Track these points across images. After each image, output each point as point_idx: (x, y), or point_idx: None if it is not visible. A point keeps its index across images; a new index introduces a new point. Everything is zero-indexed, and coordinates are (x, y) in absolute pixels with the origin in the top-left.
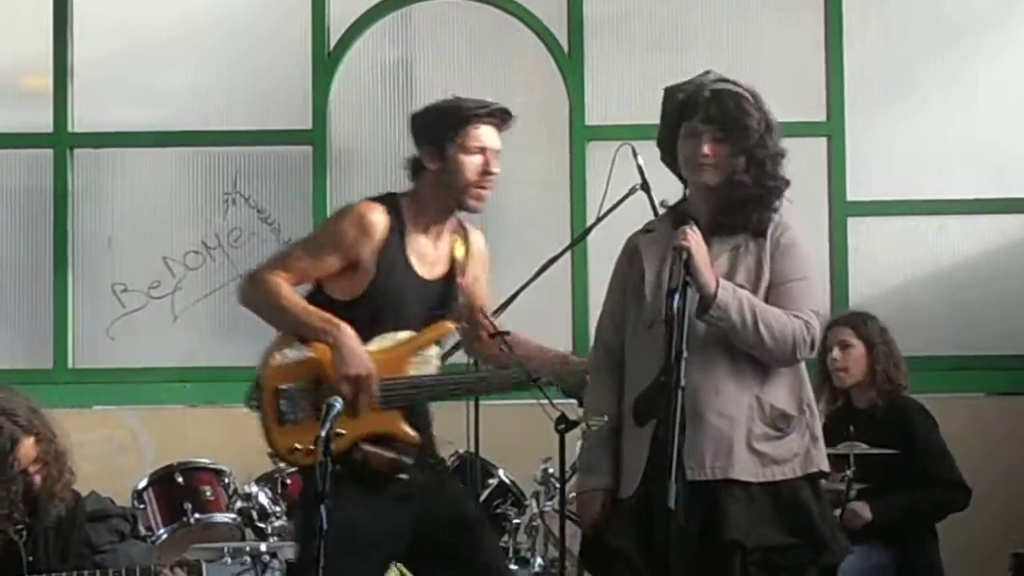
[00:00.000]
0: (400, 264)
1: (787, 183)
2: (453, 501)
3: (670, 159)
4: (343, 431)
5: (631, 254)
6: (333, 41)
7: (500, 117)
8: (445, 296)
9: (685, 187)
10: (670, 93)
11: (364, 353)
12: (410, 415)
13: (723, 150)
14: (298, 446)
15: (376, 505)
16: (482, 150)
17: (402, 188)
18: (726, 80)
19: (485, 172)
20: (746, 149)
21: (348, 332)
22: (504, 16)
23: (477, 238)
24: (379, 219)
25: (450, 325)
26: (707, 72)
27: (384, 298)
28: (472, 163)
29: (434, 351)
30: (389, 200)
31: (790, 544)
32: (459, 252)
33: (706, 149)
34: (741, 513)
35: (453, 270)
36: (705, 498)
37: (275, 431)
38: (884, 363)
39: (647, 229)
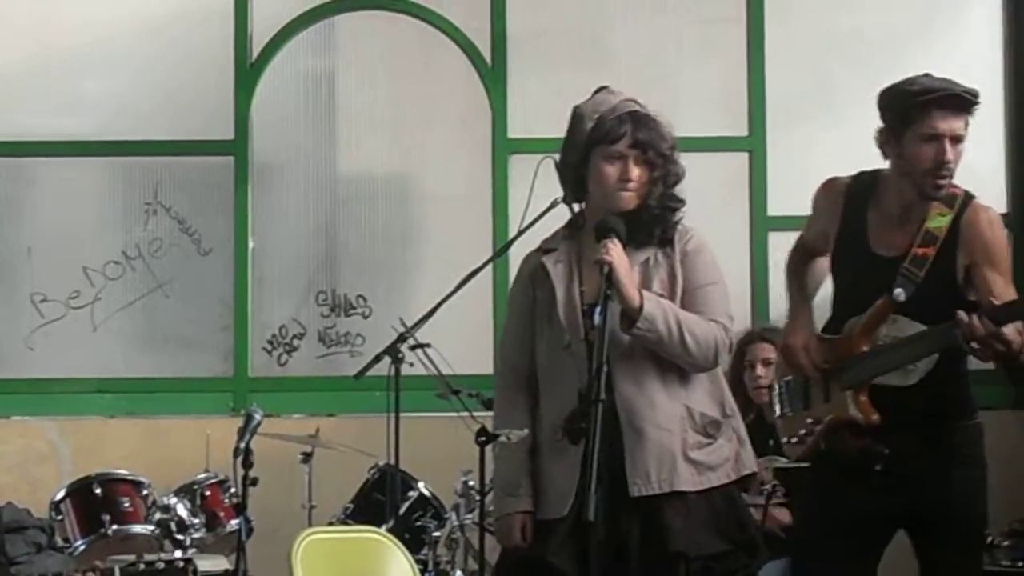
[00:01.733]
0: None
1: (682, 200)
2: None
3: (574, 180)
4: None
5: (534, 275)
6: (256, 52)
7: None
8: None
9: (569, 205)
10: (581, 114)
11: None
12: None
13: (645, 174)
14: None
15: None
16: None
17: (320, 197)
18: (634, 101)
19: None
20: (660, 173)
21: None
22: (428, 29)
23: None
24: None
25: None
26: (607, 89)
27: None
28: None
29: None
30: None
31: (727, 551)
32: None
33: (633, 174)
34: (682, 524)
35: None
36: (646, 511)
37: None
38: None
39: (547, 249)
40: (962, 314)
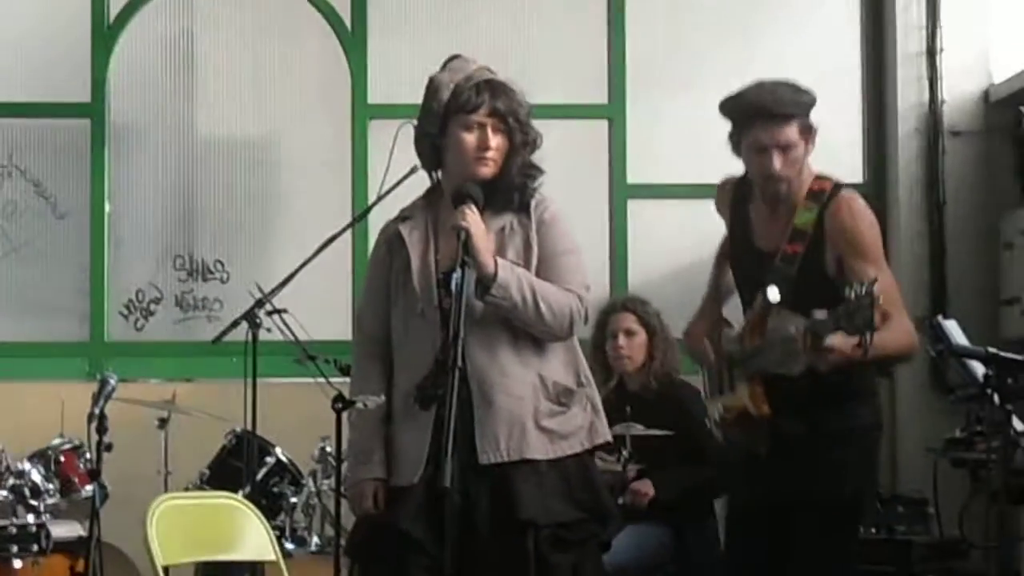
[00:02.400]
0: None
1: (539, 169)
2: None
3: (430, 147)
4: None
5: (391, 242)
6: (113, 13)
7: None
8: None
9: (429, 172)
10: (437, 83)
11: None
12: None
13: (504, 143)
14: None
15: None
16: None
17: (179, 161)
18: (488, 69)
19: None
20: (516, 141)
21: None
22: None
23: None
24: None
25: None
26: (460, 57)
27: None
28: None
29: None
30: None
31: (579, 519)
32: None
33: (493, 143)
34: (533, 491)
35: None
36: (496, 479)
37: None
38: (662, 348)
39: (403, 217)
40: (794, 330)
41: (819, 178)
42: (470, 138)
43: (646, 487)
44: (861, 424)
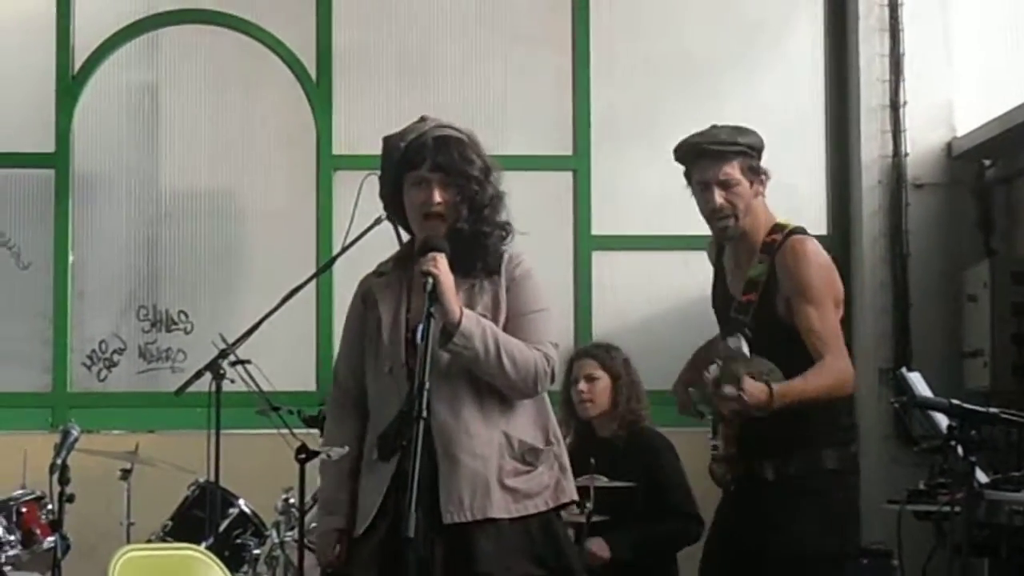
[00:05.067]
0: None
1: (508, 226)
2: None
3: (395, 209)
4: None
5: (366, 298)
6: (78, 64)
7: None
8: None
9: (394, 223)
10: (390, 143)
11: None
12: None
13: (450, 197)
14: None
15: None
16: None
17: (143, 212)
18: (445, 126)
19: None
20: (468, 196)
21: None
22: (253, 44)
23: None
24: None
25: None
26: (423, 119)
27: None
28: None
29: None
30: None
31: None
32: None
33: (437, 197)
34: (492, 548)
35: None
36: (456, 535)
37: None
38: (627, 394)
39: (379, 272)
40: (707, 374)
41: (775, 228)
42: (415, 194)
43: (601, 549)
44: (827, 471)
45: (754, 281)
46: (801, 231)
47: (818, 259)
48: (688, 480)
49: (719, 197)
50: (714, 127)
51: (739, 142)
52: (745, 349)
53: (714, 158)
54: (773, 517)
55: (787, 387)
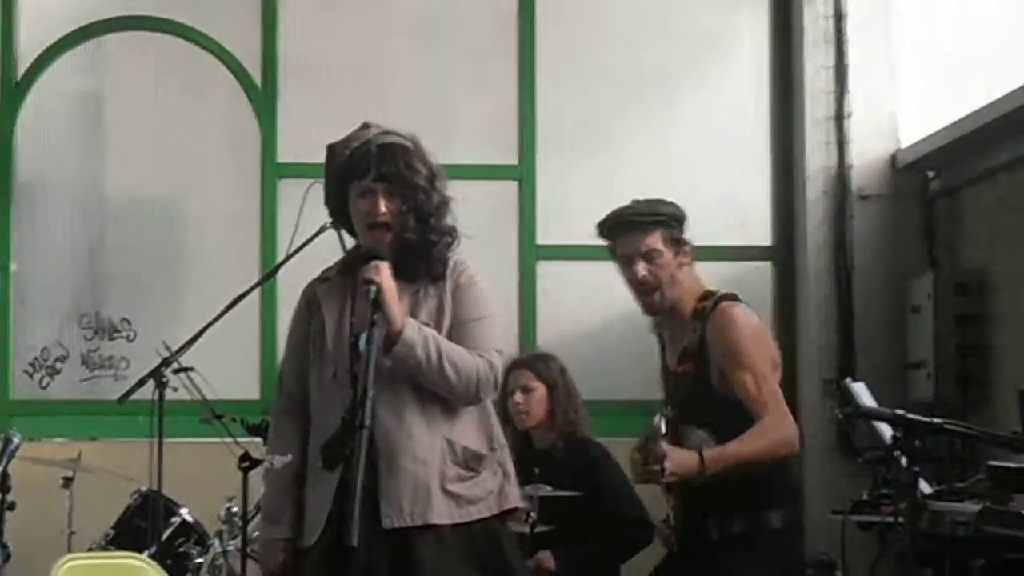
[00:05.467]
0: None
1: (454, 231)
2: None
3: (340, 217)
4: None
5: (310, 303)
6: (21, 70)
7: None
8: None
9: (338, 231)
10: (334, 151)
11: None
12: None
13: (396, 207)
14: None
15: None
16: None
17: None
18: (389, 132)
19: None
20: (414, 205)
21: None
22: (198, 51)
23: None
24: None
25: None
26: (366, 125)
27: None
28: None
29: None
30: None
31: None
32: None
33: (382, 207)
34: (434, 556)
35: None
36: (398, 544)
37: None
38: (564, 404)
39: (324, 278)
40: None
41: (703, 296)
42: (361, 204)
43: (548, 561)
44: (772, 530)
45: (687, 349)
46: (731, 297)
47: (748, 323)
48: (630, 485)
49: (642, 269)
50: (634, 201)
51: (658, 211)
52: (663, 427)
53: (635, 230)
54: (719, 572)
55: (719, 452)
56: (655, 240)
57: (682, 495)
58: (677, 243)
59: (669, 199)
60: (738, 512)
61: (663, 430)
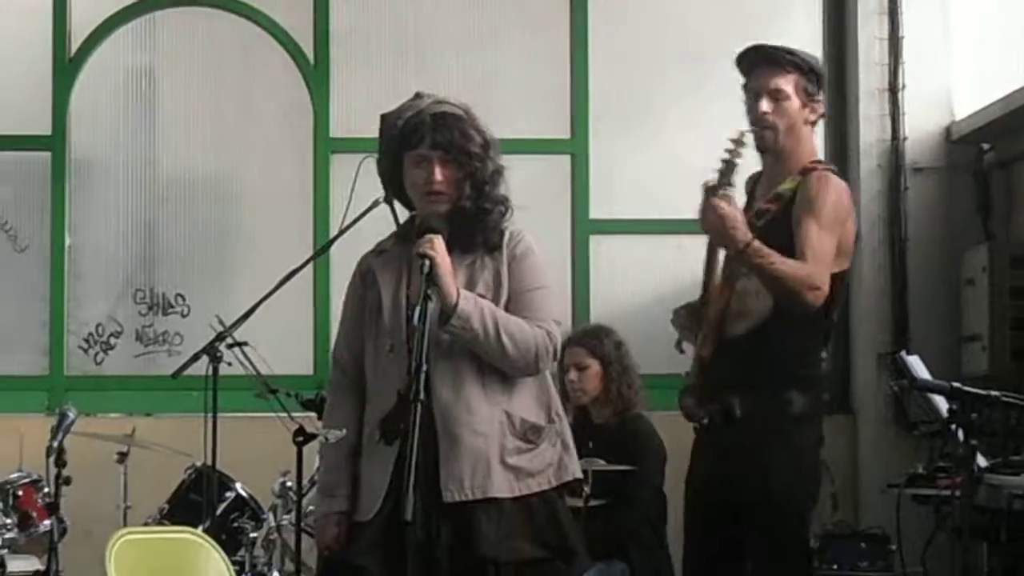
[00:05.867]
0: None
1: (507, 201)
2: None
3: (394, 187)
4: None
5: (365, 276)
6: (75, 46)
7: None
8: None
9: (391, 205)
10: (388, 121)
11: None
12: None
13: (452, 175)
14: None
15: None
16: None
17: (139, 194)
18: (441, 102)
19: None
20: (470, 172)
21: None
22: (250, 26)
23: None
24: None
25: None
26: (418, 95)
27: None
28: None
29: None
30: None
31: (542, 558)
32: None
33: (438, 175)
34: (494, 529)
35: None
36: (459, 517)
37: None
38: (618, 380)
39: (380, 250)
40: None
41: (816, 161)
42: (416, 173)
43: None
44: (793, 415)
45: (779, 194)
46: (838, 173)
47: (842, 196)
48: (661, 470)
49: (766, 105)
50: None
51: (799, 55)
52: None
53: (769, 65)
54: (743, 467)
55: (762, 248)
56: (785, 82)
57: (709, 369)
58: (808, 95)
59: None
60: (763, 391)
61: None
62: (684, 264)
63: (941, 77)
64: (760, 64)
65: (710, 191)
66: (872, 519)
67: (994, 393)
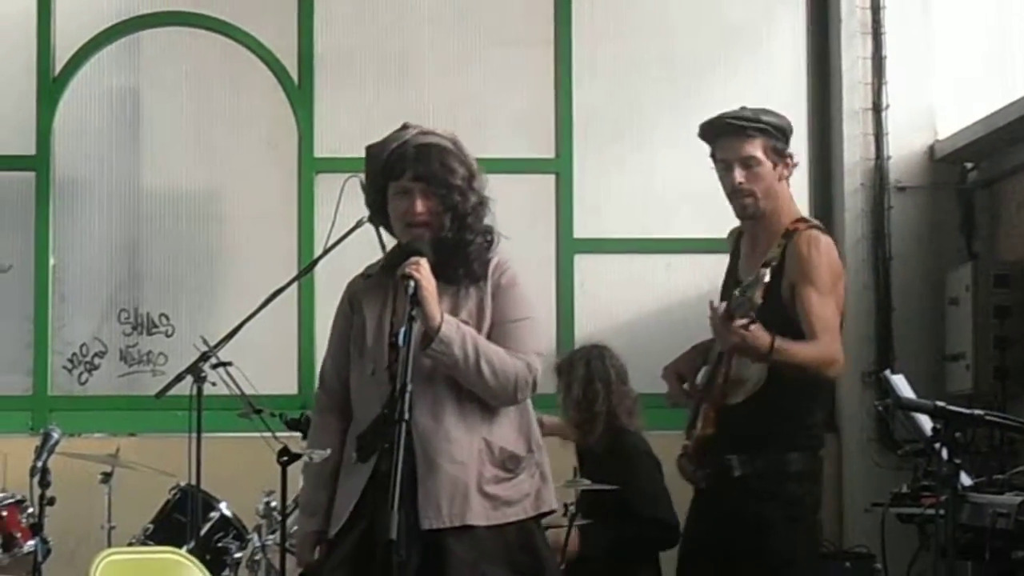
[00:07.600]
0: None
1: (491, 231)
2: None
3: (381, 217)
4: None
5: (353, 300)
6: (59, 66)
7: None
8: None
9: (375, 225)
10: (373, 153)
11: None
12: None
13: (433, 206)
14: None
15: None
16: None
17: (124, 214)
18: (427, 132)
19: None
20: (451, 205)
21: None
22: (235, 46)
23: None
24: None
25: None
26: (405, 126)
27: None
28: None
29: None
30: None
31: None
32: None
33: (419, 207)
34: (467, 555)
35: None
36: (431, 543)
37: None
38: (612, 399)
39: (367, 274)
40: (713, 302)
41: (799, 219)
42: (399, 204)
43: (572, 544)
44: (791, 474)
45: (767, 262)
46: (824, 230)
47: (831, 255)
48: (662, 485)
49: (740, 175)
50: (742, 107)
51: (762, 120)
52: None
53: (736, 135)
54: (740, 526)
55: (787, 342)
56: (754, 147)
57: (715, 420)
58: (778, 154)
59: (776, 111)
60: (761, 451)
61: (765, 279)
62: (670, 282)
63: (924, 97)
64: (725, 134)
65: (725, 317)
66: (857, 538)
67: (978, 412)
